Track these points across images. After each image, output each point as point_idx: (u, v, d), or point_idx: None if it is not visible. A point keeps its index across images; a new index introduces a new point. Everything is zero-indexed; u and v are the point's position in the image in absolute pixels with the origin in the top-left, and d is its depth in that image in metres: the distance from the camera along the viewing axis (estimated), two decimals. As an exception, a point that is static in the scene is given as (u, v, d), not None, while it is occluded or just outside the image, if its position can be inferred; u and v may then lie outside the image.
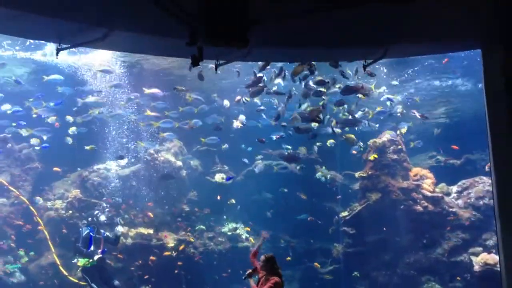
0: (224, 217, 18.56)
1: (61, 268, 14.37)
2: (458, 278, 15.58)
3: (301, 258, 18.08)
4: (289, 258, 15.10)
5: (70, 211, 16.31)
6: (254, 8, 4.95)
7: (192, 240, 17.04)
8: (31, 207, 16.11)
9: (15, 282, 15.63)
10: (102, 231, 12.68)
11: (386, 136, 17.70)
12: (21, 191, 16.77)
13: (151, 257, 15.85)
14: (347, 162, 18.77)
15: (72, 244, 12.94)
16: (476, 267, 15.10)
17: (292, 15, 5.45)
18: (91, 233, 12.30)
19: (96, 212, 13.11)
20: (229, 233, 17.95)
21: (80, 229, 12.86)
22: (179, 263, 16.11)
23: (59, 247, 15.31)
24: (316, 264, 17.86)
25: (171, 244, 16.37)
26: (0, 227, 16.12)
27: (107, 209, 13.38)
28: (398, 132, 17.95)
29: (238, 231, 18.08)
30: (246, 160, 18.62)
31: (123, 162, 17.91)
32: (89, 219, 12.96)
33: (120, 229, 13.18)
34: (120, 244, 14.20)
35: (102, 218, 12.74)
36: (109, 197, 16.69)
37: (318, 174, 18.43)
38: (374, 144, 17.59)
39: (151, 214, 16.77)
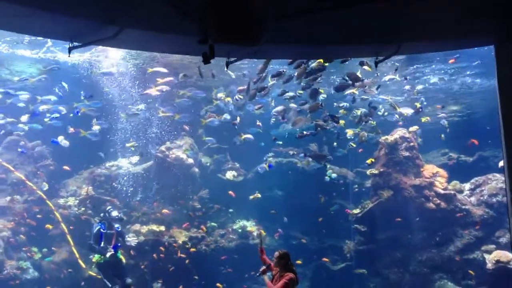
0: (230, 210, 18.49)
1: (80, 261, 14.45)
2: (472, 272, 15.50)
3: (312, 256, 18.06)
4: (299, 262, 15.02)
5: (83, 208, 16.42)
6: (264, 6, 4.93)
7: (205, 234, 17.08)
8: (48, 203, 16.24)
9: (28, 278, 15.79)
10: (117, 225, 12.71)
11: (398, 133, 17.60)
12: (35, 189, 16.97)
13: (162, 250, 15.90)
14: (358, 159, 18.71)
15: (86, 240, 13.04)
16: (489, 265, 15.01)
17: (302, 13, 5.43)
18: (101, 229, 12.34)
19: (109, 207, 13.16)
20: (240, 230, 17.95)
21: (93, 225, 12.94)
22: (186, 261, 16.11)
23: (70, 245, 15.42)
24: (324, 259, 17.81)
25: (182, 241, 16.40)
26: (14, 223, 16.28)
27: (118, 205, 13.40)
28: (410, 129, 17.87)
29: (249, 228, 18.08)
30: (267, 158, 18.63)
31: (135, 159, 18.02)
32: (101, 214, 13.05)
33: (129, 239, 13.21)
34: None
35: (114, 213, 12.77)
36: (121, 194, 16.80)
37: (328, 172, 18.37)
38: (386, 141, 17.50)
39: (167, 211, 16.82)
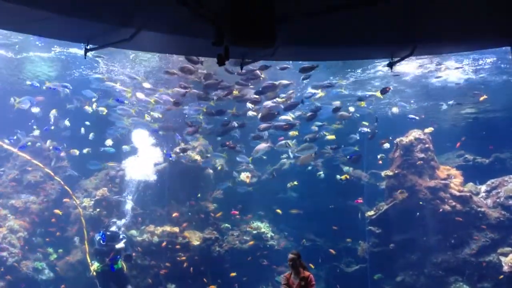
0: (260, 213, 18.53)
1: (88, 259, 14.50)
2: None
3: (326, 257, 18.01)
4: (312, 266, 15.03)
5: (98, 209, 16.54)
6: (279, 7, 4.93)
7: (218, 236, 17.12)
8: (74, 199, 16.37)
9: (43, 279, 15.94)
10: (121, 236, 12.76)
11: (413, 134, 17.50)
12: (50, 190, 17.13)
13: (176, 251, 15.97)
14: (373, 160, 18.64)
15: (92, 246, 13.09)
16: (505, 268, 14.85)
17: (318, 13, 5.41)
18: (102, 241, 12.41)
19: (112, 220, 13.19)
20: (254, 232, 17.93)
21: (94, 235, 13.02)
22: (196, 257, 16.15)
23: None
24: (331, 250, 17.78)
25: (196, 242, 16.44)
26: (30, 224, 16.45)
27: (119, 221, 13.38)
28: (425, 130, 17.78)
29: (263, 229, 18.07)
30: (290, 155, 18.62)
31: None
32: (103, 226, 13.23)
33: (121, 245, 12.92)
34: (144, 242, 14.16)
35: (113, 228, 12.83)
36: (135, 195, 16.88)
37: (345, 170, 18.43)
38: (400, 142, 17.41)
39: (176, 214, 16.87)
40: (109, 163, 17.84)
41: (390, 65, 7.65)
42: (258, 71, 13.39)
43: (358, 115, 17.93)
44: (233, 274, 16.14)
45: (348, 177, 17.17)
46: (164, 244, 15.99)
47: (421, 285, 16.25)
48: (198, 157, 17.79)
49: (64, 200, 16.85)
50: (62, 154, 17.84)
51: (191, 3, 4.72)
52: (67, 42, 13.30)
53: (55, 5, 5.20)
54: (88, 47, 6.47)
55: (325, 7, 5.27)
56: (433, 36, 6.72)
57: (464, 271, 15.81)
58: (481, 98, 18.37)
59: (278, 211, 18.41)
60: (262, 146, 15.92)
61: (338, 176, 18.09)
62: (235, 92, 14.41)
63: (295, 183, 18.40)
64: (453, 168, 17.83)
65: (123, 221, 13.11)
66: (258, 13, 4.85)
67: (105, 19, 5.60)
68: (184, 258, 15.93)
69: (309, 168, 19.55)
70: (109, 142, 17.29)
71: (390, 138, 17.93)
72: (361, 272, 17.45)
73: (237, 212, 18.05)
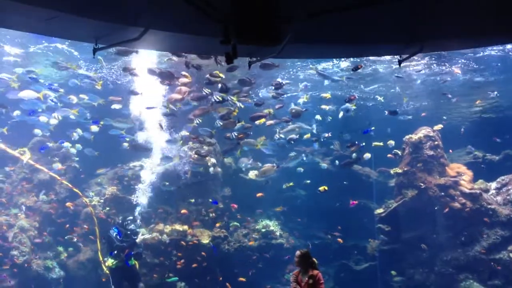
0: (259, 210, 18.51)
1: (100, 256, 14.55)
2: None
3: (335, 255, 17.99)
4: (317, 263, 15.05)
5: (107, 208, 16.60)
6: (286, 5, 4.92)
7: (227, 234, 17.13)
8: (84, 199, 16.47)
9: (54, 277, 16.02)
10: (137, 230, 12.86)
11: (422, 132, 17.42)
12: (60, 190, 17.21)
13: (185, 250, 16.00)
14: (382, 158, 18.59)
15: (107, 244, 13.12)
16: (516, 265, 14.81)
17: (324, 12, 5.40)
18: (118, 236, 12.50)
19: (129, 218, 13.29)
20: (263, 230, 17.94)
21: (109, 231, 13.09)
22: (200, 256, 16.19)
23: (96, 243, 15.58)
24: (340, 240, 17.75)
25: (205, 240, 16.45)
26: (40, 223, 16.55)
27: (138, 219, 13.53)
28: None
29: (271, 227, 18.07)
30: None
31: (157, 159, 18.11)
32: (119, 221, 13.26)
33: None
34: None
35: (131, 227, 12.92)
36: (144, 194, 16.92)
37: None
38: (409, 140, 17.33)
39: (185, 211, 16.89)
40: (99, 170, 17.91)
41: (399, 62, 7.63)
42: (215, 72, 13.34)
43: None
44: (243, 279, 16.15)
45: (326, 188, 17.09)
46: (173, 242, 16.04)
47: (431, 283, 16.19)
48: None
49: (68, 205, 16.84)
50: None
51: (197, 1, 4.72)
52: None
53: (63, 4, 5.20)
54: (97, 46, 6.48)
55: (324, 7, 5.26)
56: (441, 34, 6.68)
57: (475, 269, 15.72)
58: (477, 102, 18.52)
59: (279, 208, 18.42)
60: (244, 160, 16.93)
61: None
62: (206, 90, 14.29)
63: (291, 184, 18.36)
64: (463, 165, 17.74)
65: (137, 217, 13.23)
66: (265, 12, 4.85)
67: (115, 19, 5.60)
68: (193, 256, 15.95)
69: (321, 165, 19.59)
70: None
71: (363, 143, 17.77)
72: (371, 270, 17.42)
73: (236, 206, 17.98)
